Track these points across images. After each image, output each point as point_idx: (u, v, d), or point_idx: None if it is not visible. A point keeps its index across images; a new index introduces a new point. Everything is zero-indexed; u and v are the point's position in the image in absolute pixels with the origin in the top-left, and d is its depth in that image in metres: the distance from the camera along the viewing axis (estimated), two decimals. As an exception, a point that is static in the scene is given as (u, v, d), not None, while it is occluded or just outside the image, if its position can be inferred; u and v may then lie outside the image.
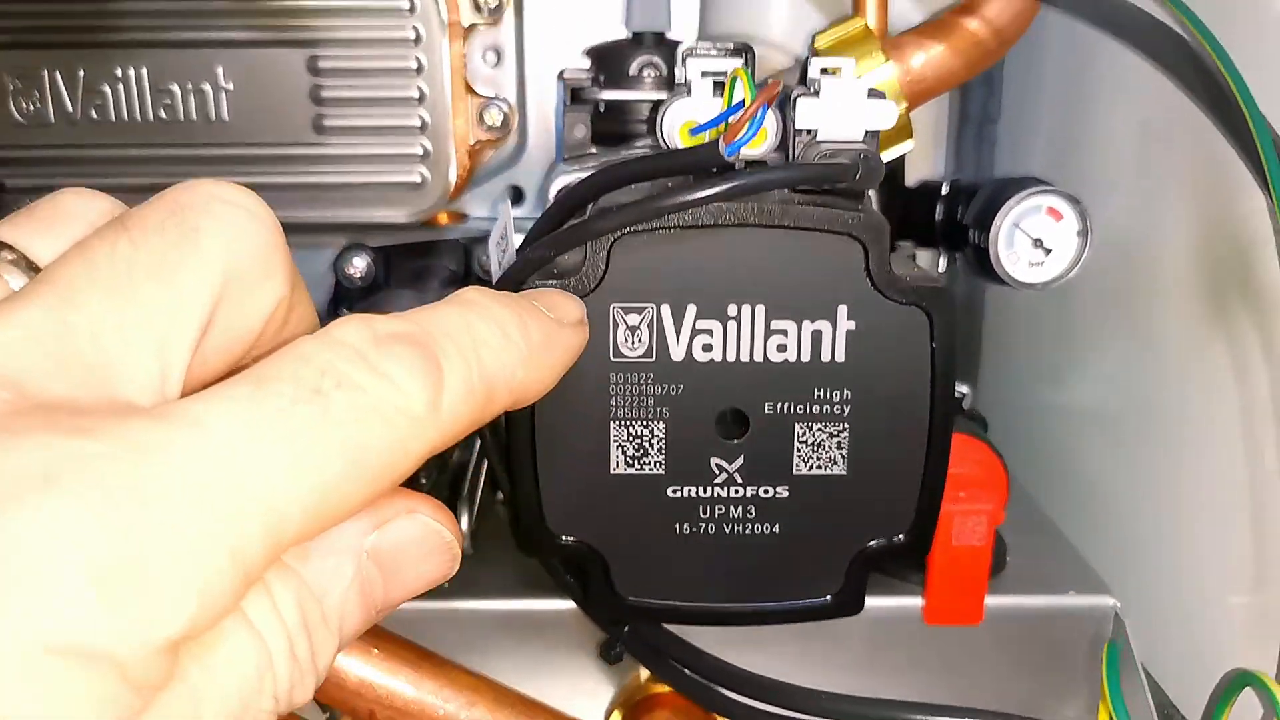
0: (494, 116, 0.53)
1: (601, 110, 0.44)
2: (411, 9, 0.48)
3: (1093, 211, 0.45)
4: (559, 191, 0.35)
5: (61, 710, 0.14)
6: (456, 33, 0.51)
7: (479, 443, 0.42)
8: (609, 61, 0.47)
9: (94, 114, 0.48)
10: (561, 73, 0.49)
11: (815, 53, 0.42)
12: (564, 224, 0.34)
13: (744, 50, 0.35)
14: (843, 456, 0.33)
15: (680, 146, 0.33)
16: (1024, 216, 0.42)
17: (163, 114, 0.49)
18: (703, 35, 0.53)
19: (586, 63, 0.50)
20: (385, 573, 0.20)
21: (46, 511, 0.14)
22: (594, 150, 0.43)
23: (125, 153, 0.48)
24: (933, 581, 0.38)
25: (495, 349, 0.21)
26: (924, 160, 0.58)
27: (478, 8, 0.51)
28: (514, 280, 0.31)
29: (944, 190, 0.47)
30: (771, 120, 0.33)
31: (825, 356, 0.32)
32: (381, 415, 0.18)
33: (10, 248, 0.19)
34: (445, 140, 0.49)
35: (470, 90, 0.53)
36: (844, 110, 0.32)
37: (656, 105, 0.44)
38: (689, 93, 0.33)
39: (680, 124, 0.33)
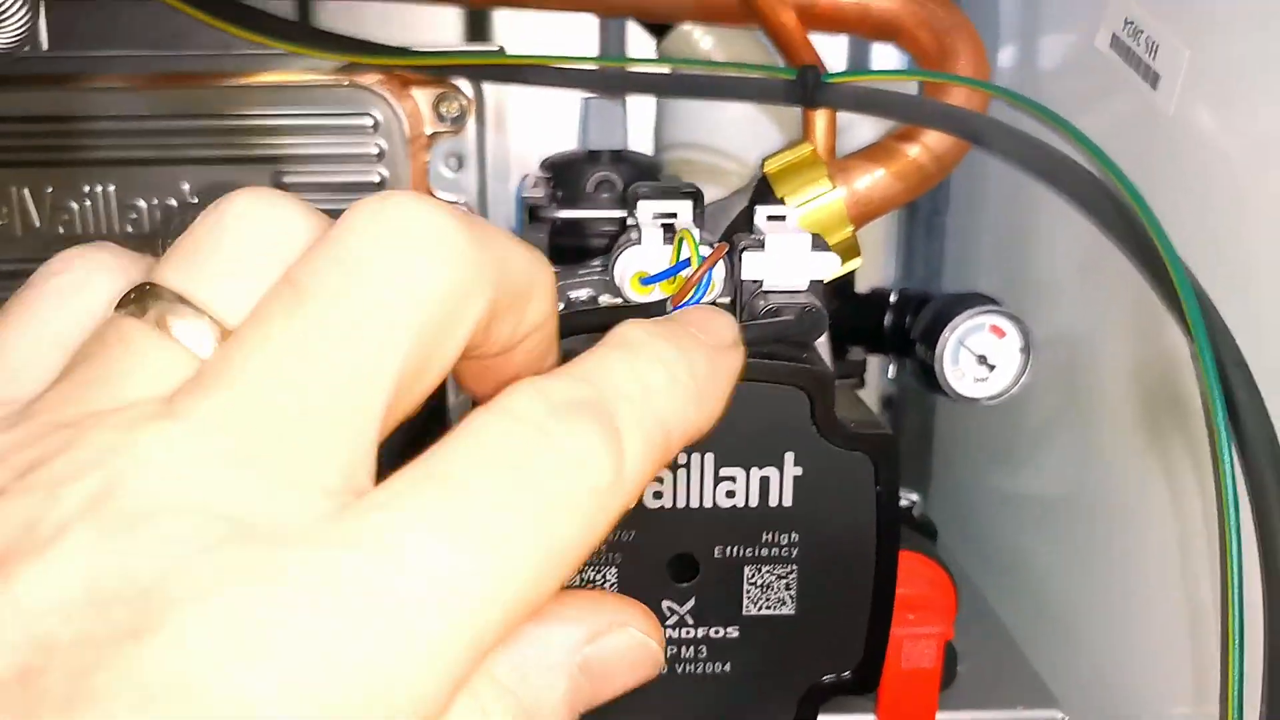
0: (457, 219, 0.54)
1: (559, 226, 0.45)
2: (375, 127, 0.49)
3: (1040, 309, 0.46)
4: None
5: None
6: (420, 144, 0.52)
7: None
8: (565, 175, 0.48)
9: (61, 229, 0.49)
10: (519, 191, 0.50)
11: (764, 176, 0.44)
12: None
13: (693, 194, 0.36)
14: (791, 597, 0.34)
15: (631, 294, 0.34)
16: (968, 334, 0.43)
17: (129, 228, 0.49)
18: (659, 145, 0.55)
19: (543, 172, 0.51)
20: (593, 683, 0.19)
21: (258, 664, 0.14)
22: (554, 269, 0.44)
23: (91, 266, 0.49)
24: (883, 704, 0.39)
25: (666, 395, 0.19)
26: (875, 252, 0.60)
27: (440, 117, 0.52)
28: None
29: (892, 299, 0.48)
30: (720, 269, 0.34)
31: (773, 502, 0.33)
32: (571, 500, 0.17)
33: (184, 300, 0.18)
34: (408, 250, 0.50)
35: (433, 196, 0.54)
36: (788, 263, 0.33)
37: (613, 223, 0.45)
38: (639, 239, 0.35)
39: (631, 273, 0.34)
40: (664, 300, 0.31)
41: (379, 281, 0.17)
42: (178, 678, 0.14)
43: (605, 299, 0.39)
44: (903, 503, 0.47)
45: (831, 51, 0.58)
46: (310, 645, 0.14)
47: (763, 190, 0.44)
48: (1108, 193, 0.34)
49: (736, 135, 0.50)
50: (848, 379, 0.50)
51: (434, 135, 0.53)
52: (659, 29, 0.53)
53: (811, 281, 0.33)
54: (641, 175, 0.48)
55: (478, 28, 0.58)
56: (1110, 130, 0.42)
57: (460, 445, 0.17)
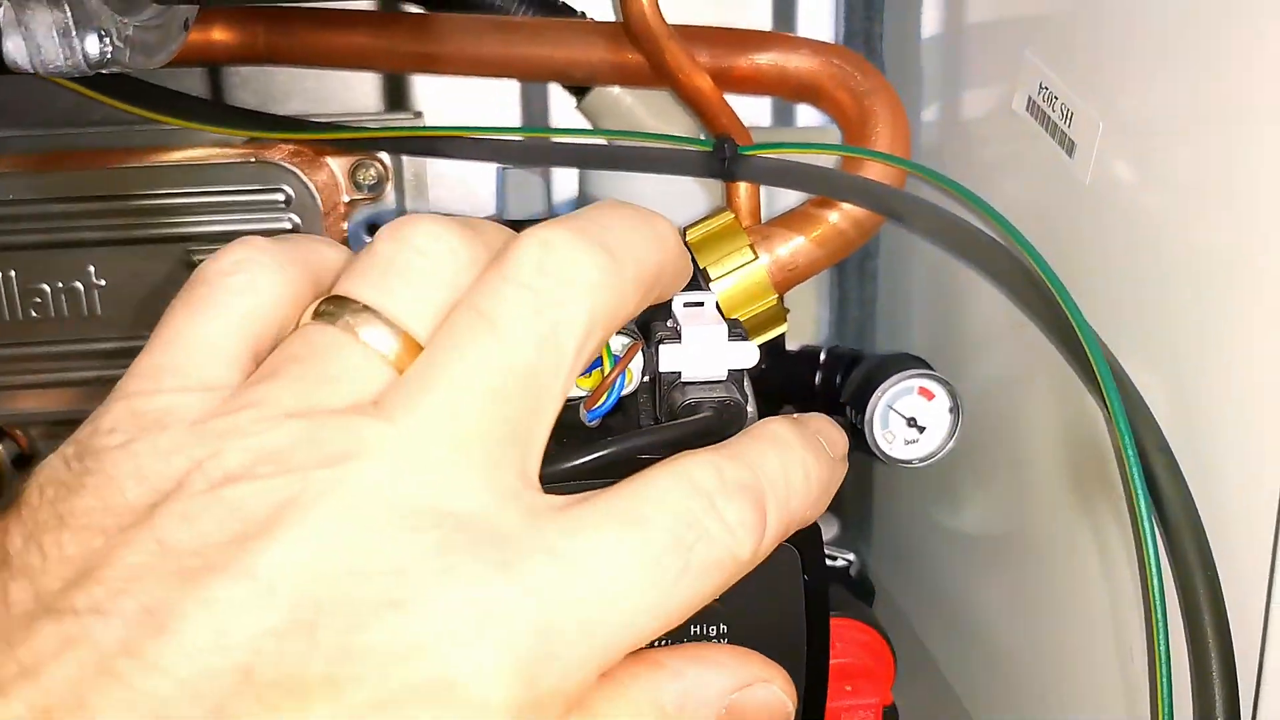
0: (379, 287, 0.53)
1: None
2: (287, 202, 0.48)
3: (974, 356, 0.46)
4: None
5: None
6: (336, 214, 0.51)
7: None
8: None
9: (-40, 316, 0.47)
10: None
11: (685, 244, 0.43)
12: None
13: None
14: (724, 688, 0.33)
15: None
16: (897, 398, 0.43)
17: (34, 313, 0.48)
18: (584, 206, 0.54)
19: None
20: None
21: (486, 637, 0.17)
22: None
23: (-7, 351, 0.48)
24: (825, 783, 0.39)
25: (799, 495, 0.23)
26: (809, 300, 0.59)
27: (357, 185, 0.51)
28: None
29: (822, 357, 0.48)
30: (638, 360, 0.33)
31: None
32: (722, 567, 0.20)
33: (372, 311, 0.20)
34: (328, 325, 0.49)
35: (353, 264, 0.53)
36: (705, 354, 0.32)
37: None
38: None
39: (547, 368, 0.33)
40: (576, 401, 0.31)
41: (556, 306, 0.20)
42: (430, 640, 0.17)
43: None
44: (839, 563, 0.47)
45: (757, 110, 0.59)
46: (521, 625, 0.17)
47: (685, 260, 0.43)
48: (1022, 269, 0.34)
49: (660, 198, 0.49)
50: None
51: (352, 203, 0.52)
52: (580, 89, 0.52)
53: (730, 371, 0.33)
54: (564, 242, 0.48)
55: (396, 93, 0.57)
56: (1031, 197, 0.42)
57: (646, 494, 0.20)
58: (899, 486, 0.60)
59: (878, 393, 0.42)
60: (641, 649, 0.20)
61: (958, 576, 0.52)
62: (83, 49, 0.29)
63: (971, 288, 0.50)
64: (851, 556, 0.47)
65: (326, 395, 0.19)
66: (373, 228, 0.52)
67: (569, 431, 0.32)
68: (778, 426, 0.24)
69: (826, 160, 0.45)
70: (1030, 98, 0.41)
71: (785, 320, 0.44)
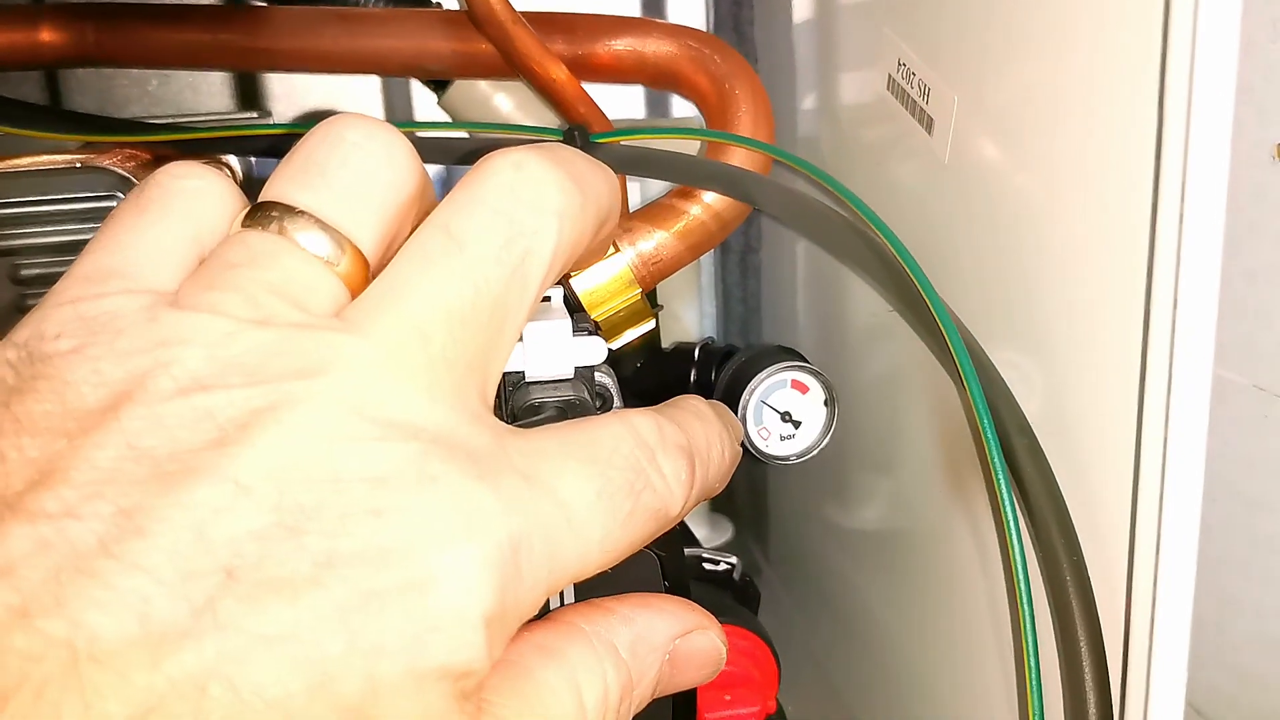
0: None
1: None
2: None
3: (856, 346, 0.45)
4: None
5: None
6: (179, 222, 0.48)
7: None
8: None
9: None
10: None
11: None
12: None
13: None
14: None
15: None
16: (770, 392, 0.41)
17: None
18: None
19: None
20: (673, 671, 0.23)
21: (474, 540, 0.18)
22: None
23: None
24: (704, 797, 0.37)
25: (715, 465, 0.24)
26: (692, 294, 0.58)
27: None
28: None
29: (697, 354, 0.46)
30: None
31: (555, 602, 0.30)
32: (658, 517, 0.21)
33: (307, 215, 0.20)
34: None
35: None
36: (549, 351, 0.31)
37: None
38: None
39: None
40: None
41: (527, 235, 0.20)
42: (413, 544, 0.17)
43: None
44: (720, 567, 0.45)
45: (631, 103, 0.57)
46: (501, 536, 0.18)
47: (544, 256, 0.41)
48: (879, 251, 0.32)
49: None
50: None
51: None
52: (440, 84, 0.50)
53: (578, 368, 0.31)
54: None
55: (248, 95, 0.54)
56: (898, 179, 0.41)
57: (600, 436, 0.21)
58: (790, 486, 0.58)
59: (749, 388, 0.41)
60: (592, 599, 0.22)
61: (844, 575, 0.51)
62: None
63: (853, 281, 0.49)
64: (734, 560, 0.45)
65: (277, 304, 0.19)
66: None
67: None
68: (698, 403, 0.25)
69: (690, 147, 0.44)
70: (890, 75, 0.39)
71: (653, 316, 0.42)
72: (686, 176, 0.38)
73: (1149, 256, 0.27)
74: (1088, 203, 0.30)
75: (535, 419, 0.29)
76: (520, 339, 0.31)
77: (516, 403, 0.30)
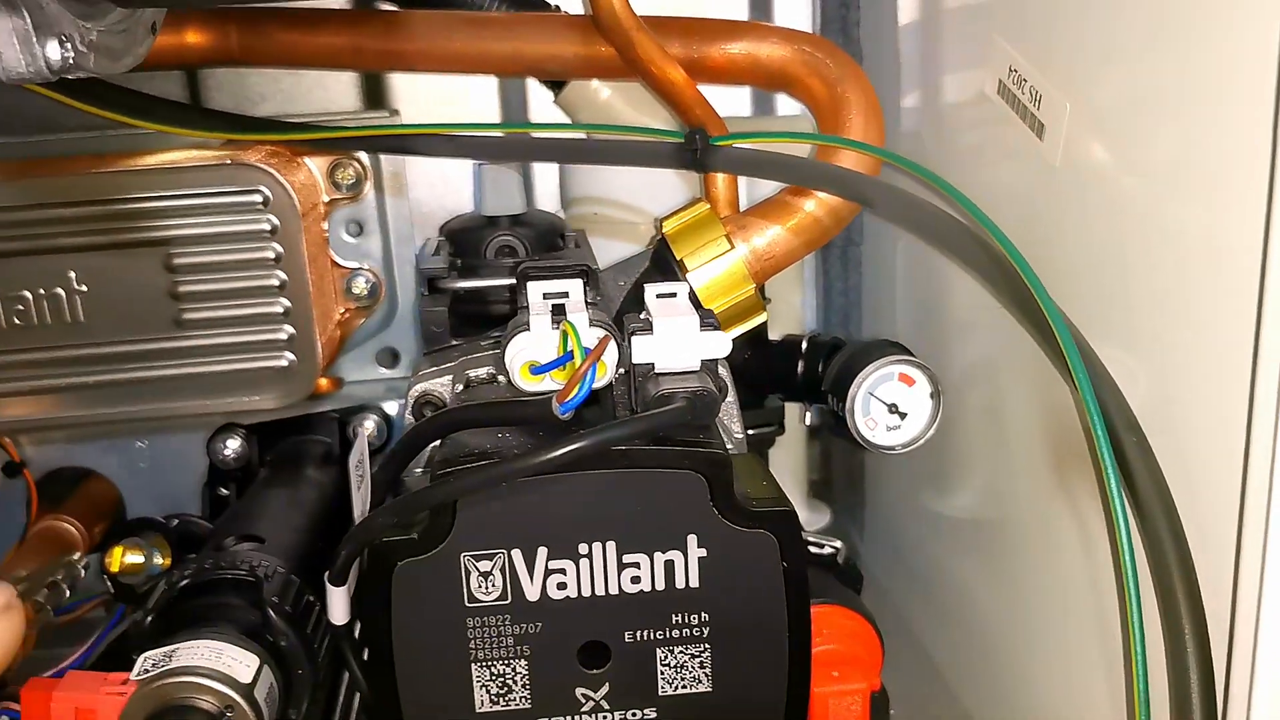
0: (361, 286, 0.53)
1: (460, 295, 0.45)
2: (265, 203, 0.48)
3: (957, 339, 0.46)
4: (407, 431, 0.35)
5: None
6: (316, 214, 0.51)
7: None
8: (464, 242, 0.47)
9: (-58, 327, 0.47)
10: (419, 260, 0.50)
11: (662, 236, 0.43)
12: (411, 457, 0.35)
13: (583, 273, 0.36)
14: (706, 675, 0.33)
15: (520, 382, 0.34)
16: (878, 384, 0.43)
17: (16, 320, 0.48)
18: (565, 200, 0.54)
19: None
20: None
21: None
22: (455, 342, 0.43)
23: (-21, 361, 0.48)
24: (812, 766, 0.39)
25: None
26: (794, 286, 0.59)
27: (336, 185, 0.51)
28: (365, 540, 0.31)
29: (804, 346, 0.48)
30: (611, 352, 0.33)
31: (680, 584, 0.33)
32: None
33: None
34: (309, 325, 0.49)
35: (335, 263, 0.53)
36: (678, 345, 0.33)
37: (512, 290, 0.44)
38: (528, 325, 0.34)
39: (521, 362, 0.33)
40: (549, 394, 0.31)
41: None
42: None
43: (504, 378, 0.39)
44: (825, 550, 0.47)
45: (737, 101, 0.59)
46: None
47: (662, 252, 0.43)
48: (991, 252, 0.34)
49: (641, 188, 0.49)
50: (767, 427, 0.49)
51: (332, 202, 0.52)
52: (556, 84, 0.52)
53: (704, 361, 0.33)
54: (542, 237, 0.48)
55: (374, 92, 0.57)
56: (1006, 181, 0.42)
57: None
58: (888, 473, 0.60)
59: (858, 380, 0.42)
60: None
61: (944, 561, 0.52)
62: (44, 55, 0.29)
63: (953, 273, 0.50)
64: (838, 544, 0.47)
65: None
66: (355, 225, 0.52)
67: (544, 425, 0.32)
68: None
69: (801, 149, 0.45)
70: (1001, 81, 0.41)
71: (764, 310, 0.44)
72: (801, 178, 0.40)
73: (1262, 256, 0.28)
74: (1202, 203, 0.31)
75: (666, 409, 0.31)
76: (650, 330, 0.33)
77: (647, 393, 0.32)
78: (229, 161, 0.47)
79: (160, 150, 0.48)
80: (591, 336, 0.32)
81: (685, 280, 0.42)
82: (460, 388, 0.39)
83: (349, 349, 0.55)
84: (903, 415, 0.43)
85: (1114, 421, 0.29)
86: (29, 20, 0.29)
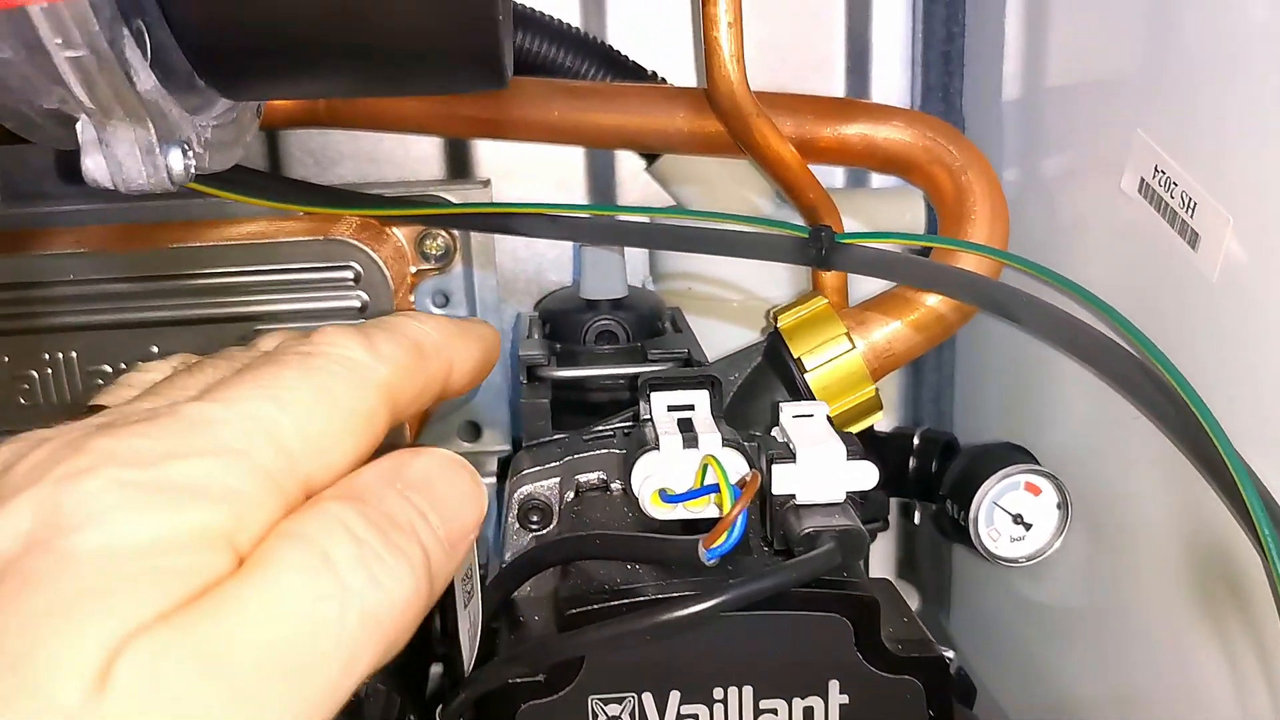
0: (444, 358, 0.51)
1: (560, 383, 0.43)
2: (357, 279, 0.46)
3: (1051, 433, 0.43)
4: (528, 552, 0.33)
5: None
6: (405, 288, 0.49)
7: None
8: (562, 325, 0.45)
9: (21, 399, 0.46)
10: (515, 346, 0.48)
11: (776, 330, 0.41)
12: (529, 577, 0.33)
13: (709, 382, 0.34)
14: (843, 827, 0.31)
15: (649, 508, 0.31)
16: (1003, 494, 0.41)
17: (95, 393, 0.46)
18: (655, 274, 0.52)
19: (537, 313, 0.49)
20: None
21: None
22: (556, 436, 0.41)
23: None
24: None
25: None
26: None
27: (424, 256, 0.50)
28: (491, 686, 0.29)
29: (916, 441, 0.46)
30: (739, 460, 0.31)
31: None
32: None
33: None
34: (396, 403, 0.47)
35: (419, 337, 0.51)
36: (822, 476, 0.30)
37: (616, 380, 0.42)
38: (657, 444, 0.32)
39: (652, 488, 0.31)
40: (694, 543, 0.28)
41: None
42: None
43: (617, 486, 0.37)
44: (934, 659, 0.44)
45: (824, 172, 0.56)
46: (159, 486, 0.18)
47: (776, 347, 0.41)
48: (1151, 376, 0.31)
49: (737, 266, 0.47)
50: (873, 522, 0.47)
51: (419, 273, 0.50)
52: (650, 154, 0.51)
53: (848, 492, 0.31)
54: (643, 320, 0.46)
55: (457, 156, 0.55)
56: (1145, 287, 0.39)
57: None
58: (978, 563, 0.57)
59: (983, 489, 0.40)
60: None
61: (1049, 658, 0.50)
62: (167, 165, 0.27)
63: (1051, 362, 0.47)
64: (951, 654, 0.44)
65: None
66: (442, 296, 0.50)
67: (687, 568, 0.30)
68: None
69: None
70: (1144, 179, 0.38)
71: (881, 409, 0.42)
72: (933, 284, 0.38)
73: None
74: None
75: (816, 554, 0.29)
76: (792, 458, 0.31)
77: (788, 528, 0.30)
78: (320, 238, 0.45)
79: (246, 220, 0.46)
80: (737, 473, 0.30)
81: (803, 377, 0.39)
82: (571, 495, 0.37)
83: (432, 422, 0.53)
84: (1028, 526, 0.41)
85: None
86: (152, 130, 0.27)
